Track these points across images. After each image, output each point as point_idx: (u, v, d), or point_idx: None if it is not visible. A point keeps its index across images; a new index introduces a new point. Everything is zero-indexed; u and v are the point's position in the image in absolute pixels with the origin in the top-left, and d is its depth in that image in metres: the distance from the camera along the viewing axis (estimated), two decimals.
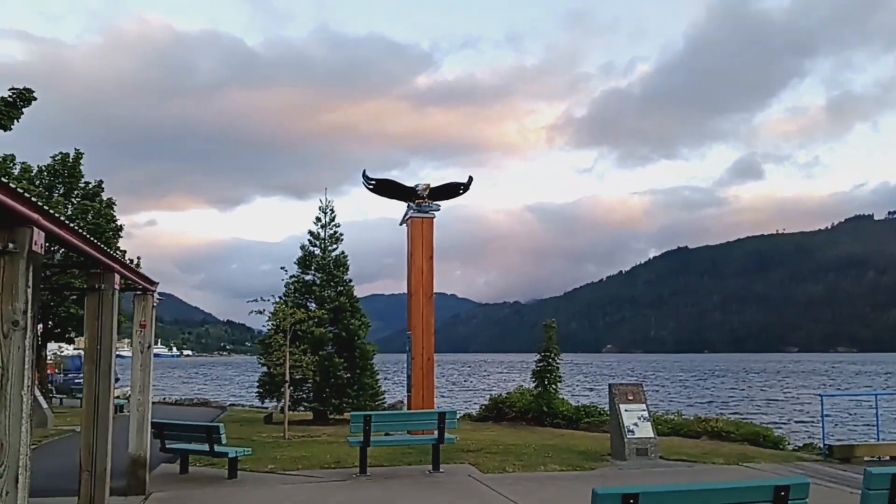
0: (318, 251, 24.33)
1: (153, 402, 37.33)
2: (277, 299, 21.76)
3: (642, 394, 14.60)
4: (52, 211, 5.27)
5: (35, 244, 4.61)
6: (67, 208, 29.43)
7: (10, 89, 13.96)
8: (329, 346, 23.52)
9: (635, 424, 13.88)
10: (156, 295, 11.73)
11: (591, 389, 57.80)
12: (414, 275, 18.06)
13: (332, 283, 24.15)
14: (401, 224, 18.91)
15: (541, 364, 22.78)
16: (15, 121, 13.70)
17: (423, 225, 18.17)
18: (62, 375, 65.97)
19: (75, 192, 30.58)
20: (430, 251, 18.17)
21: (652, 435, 13.94)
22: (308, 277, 24.26)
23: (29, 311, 4.45)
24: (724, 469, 13.41)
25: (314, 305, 23.71)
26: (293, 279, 23.98)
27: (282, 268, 22.38)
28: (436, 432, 12.83)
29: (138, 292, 11.61)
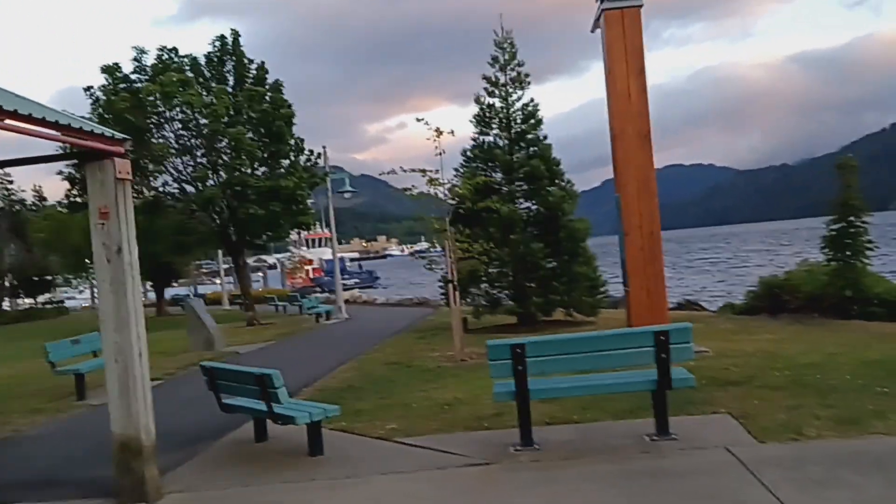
0: (497, 102, 17.94)
1: (376, 302, 33.90)
2: (454, 171, 16.28)
3: None
4: None
5: None
6: (237, 96, 26.40)
7: None
8: (525, 229, 17.50)
9: None
10: (117, 162, 6.57)
11: None
12: (616, 103, 11.38)
13: (520, 144, 17.88)
14: (592, 30, 12.25)
15: (835, 227, 15.32)
16: None
17: (623, 19, 11.27)
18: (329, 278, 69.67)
19: (246, 80, 27.34)
20: (639, 62, 11.31)
21: None
22: (488, 139, 18.13)
23: None
24: None
25: (500, 175, 17.75)
26: (472, 143, 18.05)
27: (448, 131, 13.82)
28: (655, 368, 6.76)
29: (90, 161, 6.63)
